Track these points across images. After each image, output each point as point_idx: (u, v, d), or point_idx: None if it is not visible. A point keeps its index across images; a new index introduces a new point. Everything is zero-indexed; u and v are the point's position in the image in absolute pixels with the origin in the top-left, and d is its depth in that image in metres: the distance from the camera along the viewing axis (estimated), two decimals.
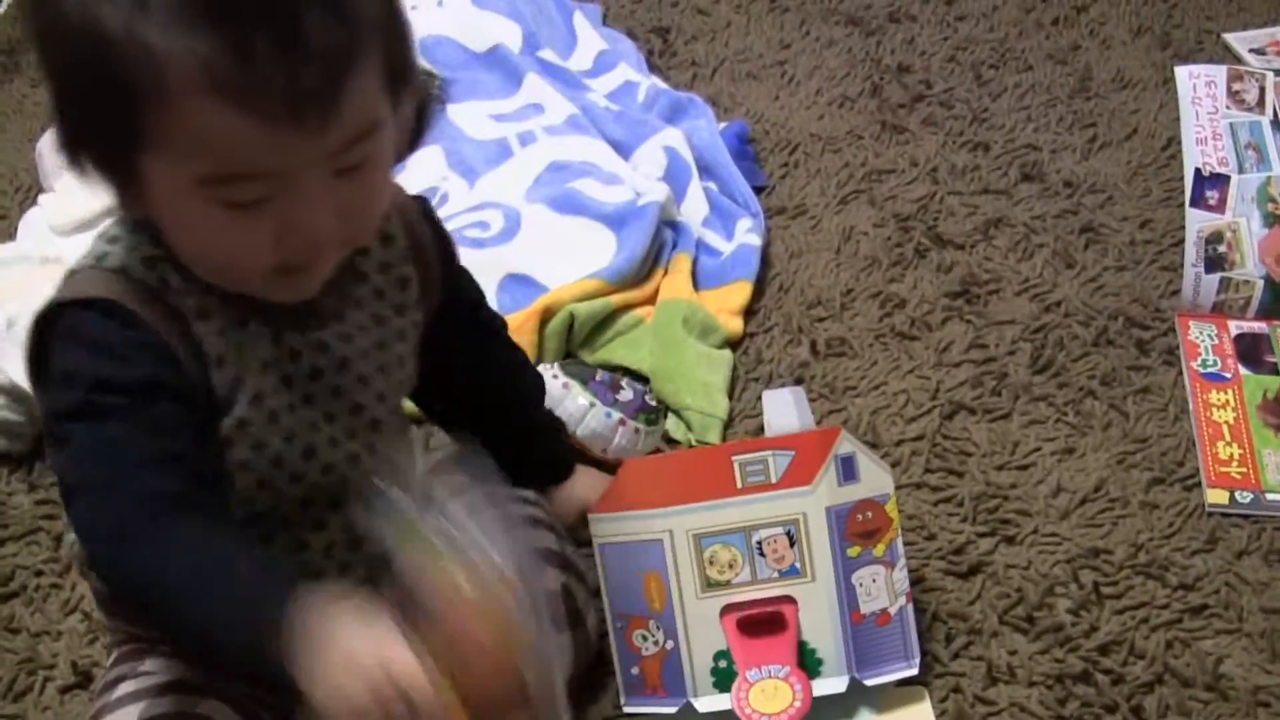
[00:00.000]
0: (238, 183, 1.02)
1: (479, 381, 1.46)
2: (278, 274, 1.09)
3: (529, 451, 1.51)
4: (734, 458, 1.41)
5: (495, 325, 1.50)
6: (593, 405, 1.63)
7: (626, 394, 1.67)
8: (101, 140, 1.05)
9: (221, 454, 1.16)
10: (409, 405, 1.45)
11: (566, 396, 1.64)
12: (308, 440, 1.20)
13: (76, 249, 1.78)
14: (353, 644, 0.98)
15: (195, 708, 1.24)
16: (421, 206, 1.33)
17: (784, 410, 1.54)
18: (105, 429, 1.09)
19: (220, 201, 1.03)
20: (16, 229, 2.06)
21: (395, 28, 1.08)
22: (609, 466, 1.60)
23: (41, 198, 2.07)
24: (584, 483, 1.56)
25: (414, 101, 1.16)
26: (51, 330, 1.12)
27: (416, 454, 1.44)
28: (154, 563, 1.07)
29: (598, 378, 1.68)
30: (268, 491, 1.20)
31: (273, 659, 0.99)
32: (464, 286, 1.42)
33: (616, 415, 1.64)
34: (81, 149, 1.07)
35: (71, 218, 1.97)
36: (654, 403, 1.70)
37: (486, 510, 1.00)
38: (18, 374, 1.64)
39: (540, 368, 1.70)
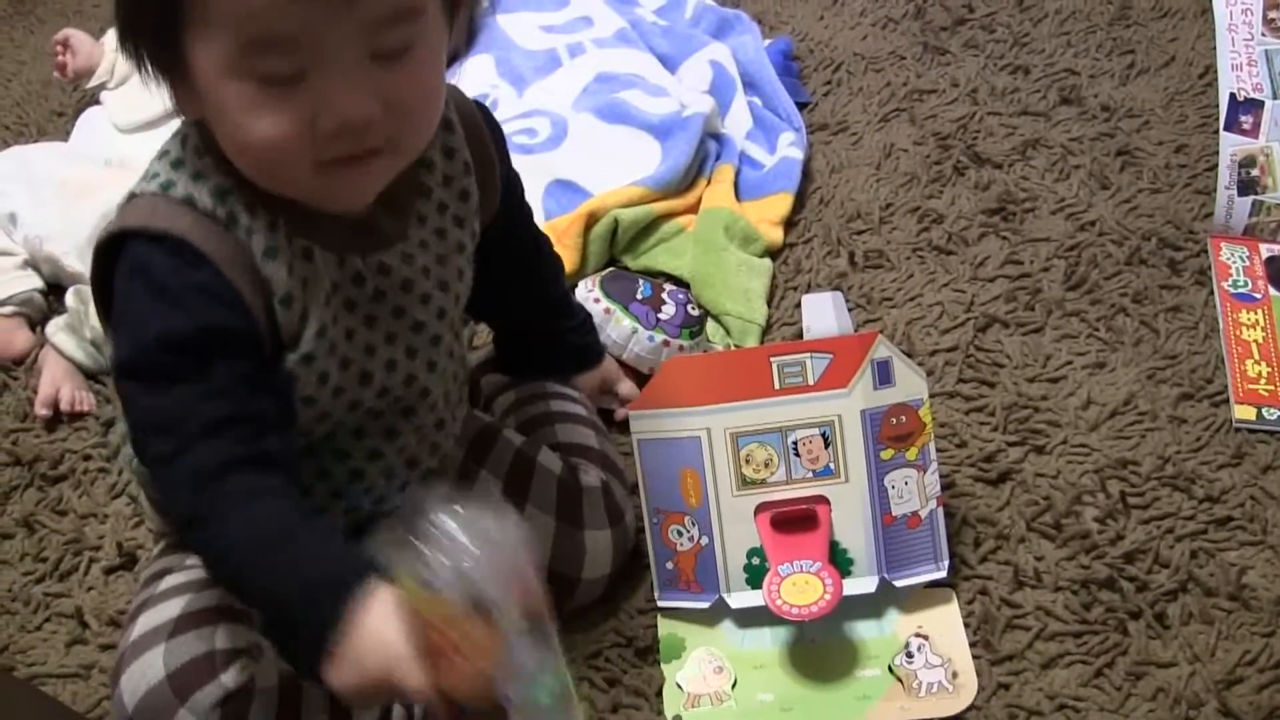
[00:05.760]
0: (272, 52, 1.00)
1: (526, 276, 1.47)
2: (324, 170, 1.06)
3: (565, 339, 1.56)
4: (772, 359, 1.43)
5: (533, 219, 1.50)
6: (635, 331, 1.66)
7: (669, 309, 1.69)
8: (150, 20, 1.04)
9: (287, 395, 1.15)
10: None
11: (609, 322, 1.66)
12: (363, 366, 1.19)
13: (137, 150, 1.83)
14: (372, 643, 1.01)
15: (237, 602, 1.26)
16: (482, 112, 1.31)
17: (823, 313, 1.56)
18: (164, 396, 1.09)
19: (256, 76, 1.01)
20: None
21: None
22: None
23: (104, 95, 2.09)
24: (610, 364, 1.62)
25: (468, 11, 1.15)
26: (115, 262, 1.11)
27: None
28: (220, 539, 1.08)
29: (639, 296, 1.70)
30: (326, 422, 1.21)
31: (327, 631, 1.02)
32: (514, 184, 1.40)
33: (660, 337, 1.66)
34: (136, 36, 1.07)
35: (136, 116, 1.99)
36: (696, 312, 1.73)
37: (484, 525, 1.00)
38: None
39: (580, 286, 1.73)
